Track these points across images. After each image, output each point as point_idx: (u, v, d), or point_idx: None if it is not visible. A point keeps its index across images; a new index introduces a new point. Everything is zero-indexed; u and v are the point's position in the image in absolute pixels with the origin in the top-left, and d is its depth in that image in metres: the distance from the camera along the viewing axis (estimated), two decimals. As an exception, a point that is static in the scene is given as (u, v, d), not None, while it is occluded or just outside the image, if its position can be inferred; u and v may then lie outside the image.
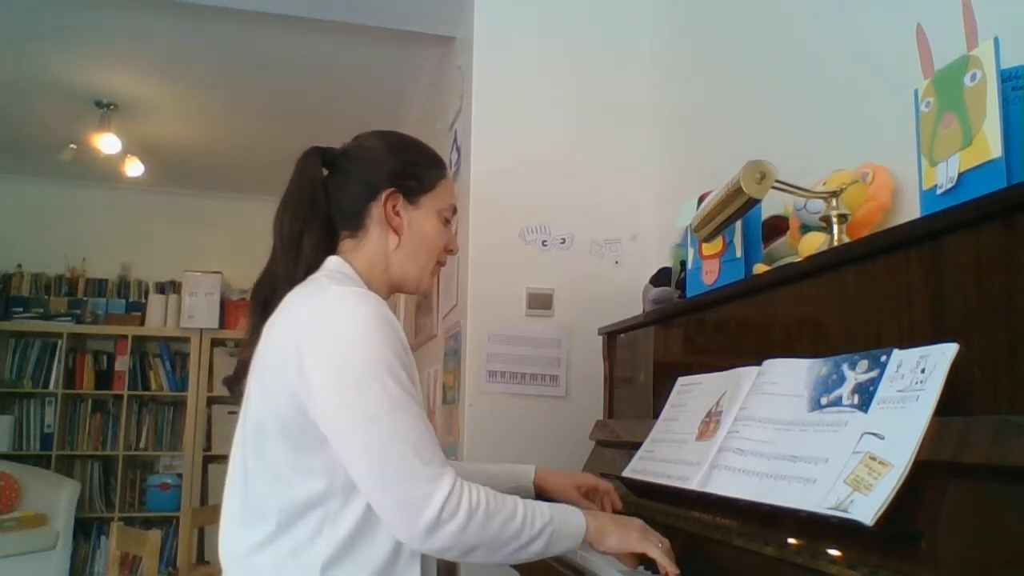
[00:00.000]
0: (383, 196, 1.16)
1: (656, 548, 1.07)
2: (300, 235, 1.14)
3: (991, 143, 0.97)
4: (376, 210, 1.17)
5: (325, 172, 1.19)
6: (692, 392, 1.38)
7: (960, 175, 1.01)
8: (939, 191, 1.05)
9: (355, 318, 1.00)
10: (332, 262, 1.14)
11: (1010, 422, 0.76)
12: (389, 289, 1.21)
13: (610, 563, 1.16)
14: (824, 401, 1.00)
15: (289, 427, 1.01)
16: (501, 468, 1.45)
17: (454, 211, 1.26)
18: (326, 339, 1.00)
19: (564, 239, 2.28)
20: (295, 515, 1.00)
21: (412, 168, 1.20)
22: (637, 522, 1.13)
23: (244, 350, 1.14)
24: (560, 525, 1.04)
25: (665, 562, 1.06)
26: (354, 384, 0.97)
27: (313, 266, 1.13)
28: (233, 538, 1.06)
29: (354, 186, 1.17)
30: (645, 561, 1.12)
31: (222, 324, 4.89)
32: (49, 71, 3.43)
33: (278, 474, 1.01)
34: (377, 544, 1.01)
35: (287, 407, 1.00)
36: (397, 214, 1.17)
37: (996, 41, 0.98)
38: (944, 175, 1.04)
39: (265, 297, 1.13)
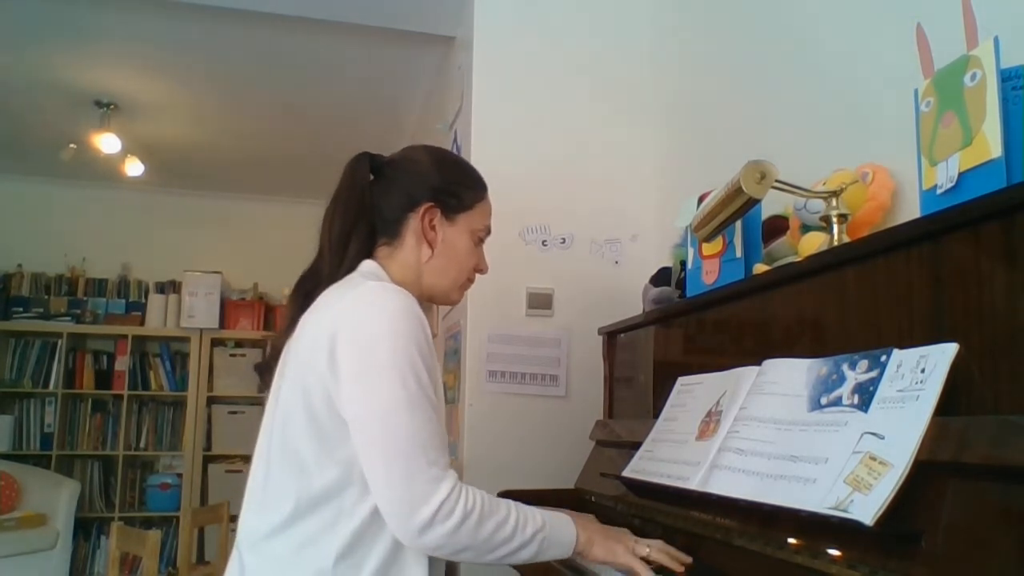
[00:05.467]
0: (422, 209, 1.20)
1: (642, 565, 1.09)
2: (348, 236, 1.18)
3: (991, 143, 0.97)
4: (414, 221, 1.20)
5: (371, 177, 1.23)
6: (692, 392, 1.38)
7: (960, 175, 1.01)
8: (939, 191, 1.05)
9: (386, 311, 1.04)
10: (367, 265, 1.18)
11: (1010, 422, 0.76)
12: (419, 298, 1.23)
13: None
14: (824, 401, 1.00)
15: (317, 417, 1.03)
16: None
17: (488, 232, 1.29)
18: (357, 329, 1.03)
19: (564, 239, 2.28)
20: (313, 504, 1.03)
21: (454, 186, 1.23)
22: (626, 534, 1.16)
23: (279, 337, 1.18)
24: (551, 532, 1.07)
25: (648, 570, 1.08)
26: (377, 375, 1.00)
27: (353, 268, 1.17)
28: (251, 523, 1.09)
29: (396, 195, 1.21)
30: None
31: (222, 324, 4.89)
32: (49, 71, 3.43)
33: (300, 463, 1.04)
34: (387, 539, 1.03)
35: (316, 396, 1.03)
36: (433, 228, 1.21)
37: (996, 41, 0.98)
38: (944, 175, 1.04)
39: (308, 290, 1.17)
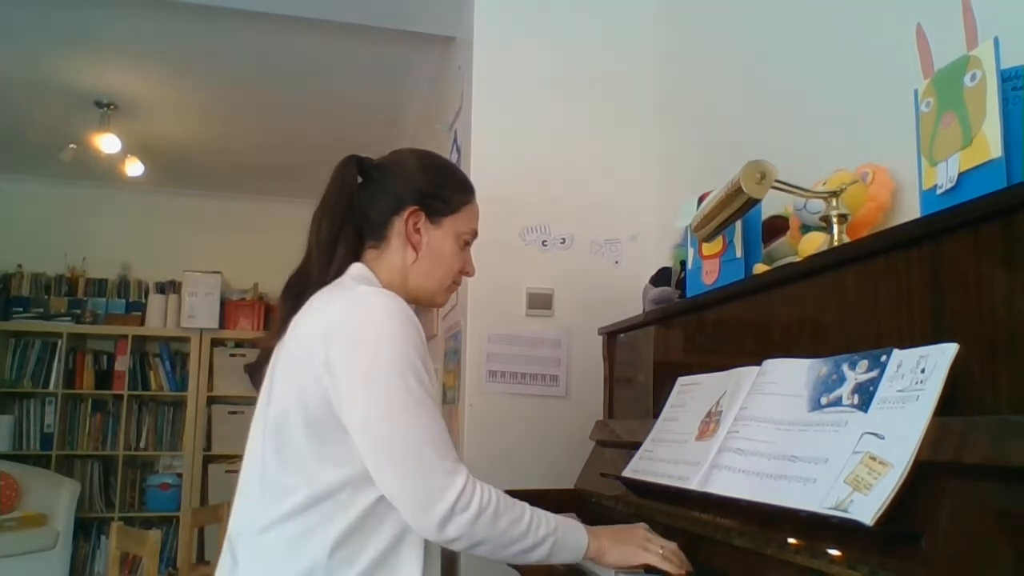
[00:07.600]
0: (406, 212, 1.21)
1: (657, 556, 1.11)
2: (336, 238, 1.19)
3: (991, 143, 0.97)
4: (399, 224, 1.21)
5: (360, 180, 1.23)
6: (692, 392, 1.38)
7: (960, 175, 1.01)
8: (939, 191, 1.05)
9: (381, 317, 1.05)
10: (356, 268, 1.19)
11: (1010, 422, 0.76)
12: (407, 300, 1.23)
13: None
14: (824, 401, 1.00)
15: (314, 418, 1.04)
16: None
17: (474, 235, 1.29)
18: (355, 336, 1.04)
19: (564, 239, 2.28)
20: (313, 501, 1.04)
21: (439, 189, 1.24)
22: (639, 532, 1.17)
23: (269, 339, 1.19)
24: (563, 536, 1.09)
25: (667, 566, 1.10)
26: (380, 381, 1.02)
27: (341, 270, 1.18)
28: (247, 516, 1.09)
29: (383, 198, 1.22)
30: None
31: (222, 324, 4.89)
32: (49, 71, 3.43)
33: (300, 462, 1.05)
34: (382, 534, 1.04)
35: (312, 399, 1.04)
36: (417, 231, 1.22)
37: (996, 41, 0.98)
38: (944, 175, 1.04)
39: (297, 292, 1.18)
